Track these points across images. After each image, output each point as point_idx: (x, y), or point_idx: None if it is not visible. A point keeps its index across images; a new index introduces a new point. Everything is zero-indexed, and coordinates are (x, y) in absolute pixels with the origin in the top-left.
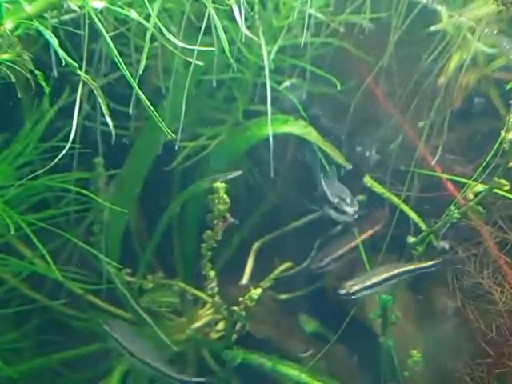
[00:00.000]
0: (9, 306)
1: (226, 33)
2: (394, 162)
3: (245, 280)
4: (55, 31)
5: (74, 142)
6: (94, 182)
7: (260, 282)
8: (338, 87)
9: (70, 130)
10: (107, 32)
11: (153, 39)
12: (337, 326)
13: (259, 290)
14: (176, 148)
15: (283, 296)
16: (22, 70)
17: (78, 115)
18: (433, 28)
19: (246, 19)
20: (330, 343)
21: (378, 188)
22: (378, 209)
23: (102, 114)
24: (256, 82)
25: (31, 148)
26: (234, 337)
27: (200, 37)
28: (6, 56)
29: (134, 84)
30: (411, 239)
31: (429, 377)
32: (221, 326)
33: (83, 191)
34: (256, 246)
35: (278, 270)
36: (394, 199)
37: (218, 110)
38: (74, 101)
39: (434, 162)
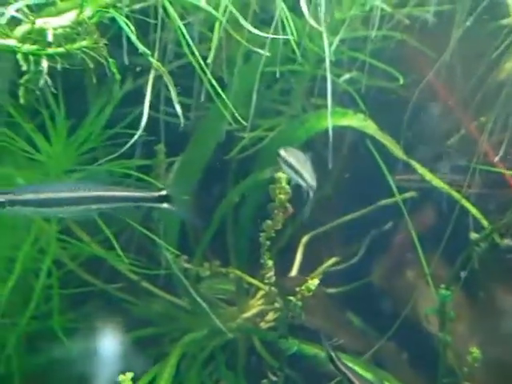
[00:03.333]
0: (67, 288)
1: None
2: (455, 157)
3: (294, 272)
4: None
5: (136, 129)
6: (155, 168)
7: (308, 275)
8: (401, 81)
9: (134, 117)
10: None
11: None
12: (384, 321)
13: (316, 281)
14: (231, 139)
15: (331, 290)
16: (98, 58)
17: (142, 103)
18: (504, 21)
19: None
20: (384, 338)
21: (437, 182)
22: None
23: (165, 103)
24: (315, 74)
25: (96, 134)
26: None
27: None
28: (84, 43)
29: (205, 72)
30: (473, 235)
31: (485, 375)
32: (270, 316)
33: (144, 177)
34: (305, 239)
35: (327, 263)
36: (455, 195)
37: (276, 101)
38: (136, 89)
39: (496, 159)
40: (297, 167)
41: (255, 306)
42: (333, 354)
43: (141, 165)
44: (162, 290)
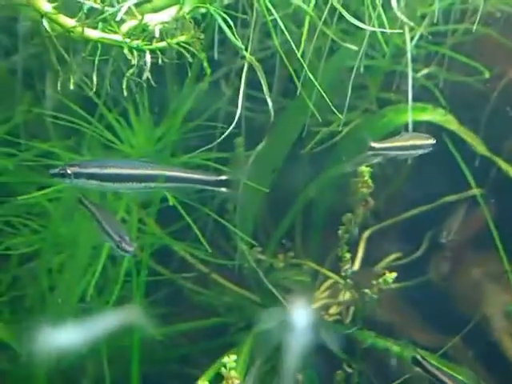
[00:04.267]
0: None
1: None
2: None
3: (356, 266)
4: None
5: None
6: (233, 161)
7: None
8: (487, 75)
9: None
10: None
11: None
12: (446, 317)
13: (394, 274)
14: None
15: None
16: (194, 51)
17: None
18: None
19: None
20: (459, 335)
21: None
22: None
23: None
24: (391, 69)
25: (176, 129)
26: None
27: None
28: (183, 38)
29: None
30: None
31: None
32: (334, 310)
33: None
34: (366, 233)
35: (390, 258)
36: None
37: (351, 96)
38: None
39: None
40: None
41: (320, 298)
42: (419, 357)
43: (219, 157)
44: (231, 282)
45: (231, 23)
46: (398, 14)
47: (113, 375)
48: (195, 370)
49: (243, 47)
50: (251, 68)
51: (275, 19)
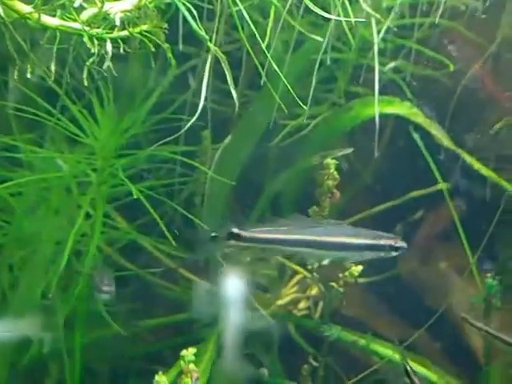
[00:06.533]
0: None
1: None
2: (499, 147)
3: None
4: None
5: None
6: (200, 154)
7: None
8: (451, 69)
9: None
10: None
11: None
12: (413, 310)
13: (360, 267)
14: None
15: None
16: (158, 41)
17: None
18: None
19: None
20: (423, 328)
21: (486, 172)
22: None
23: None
24: (358, 63)
25: (141, 120)
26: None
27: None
28: (145, 27)
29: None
30: None
31: None
32: (303, 304)
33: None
34: None
35: None
36: (504, 183)
37: (319, 89)
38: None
39: None
40: None
41: (288, 293)
42: (409, 368)
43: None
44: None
45: (195, 14)
46: (364, 6)
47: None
48: (162, 366)
49: (207, 38)
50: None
51: (241, 11)
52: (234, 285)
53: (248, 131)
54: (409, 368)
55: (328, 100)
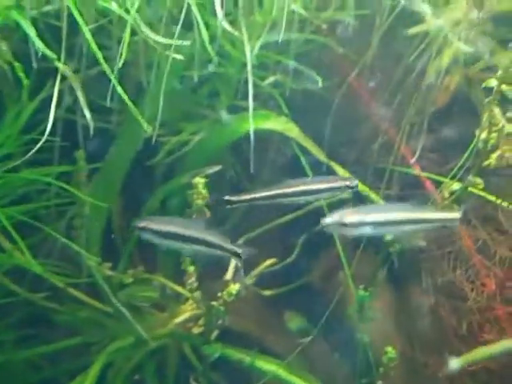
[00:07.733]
0: None
1: (208, 28)
2: (374, 160)
3: (228, 276)
4: (35, 23)
5: (54, 135)
6: (76, 175)
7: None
8: (320, 84)
9: (51, 123)
10: (88, 24)
11: (135, 33)
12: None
13: (237, 286)
14: (156, 143)
15: (267, 292)
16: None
17: (59, 108)
18: (414, 30)
19: (229, 14)
20: (310, 338)
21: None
22: None
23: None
24: (240, 77)
25: (12, 140)
26: (216, 332)
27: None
28: None
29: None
30: (388, 237)
31: (403, 373)
32: (202, 321)
33: (64, 185)
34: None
35: (262, 266)
36: (374, 197)
37: (201, 105)
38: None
39: (413, 161)
40: None
41: (186, 311)
42: None
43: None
44: (88, 296)
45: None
46: (225, 24)
47: None
48: None
49: (55, 57)
50: (100, 78)
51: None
52: None
53: (123, 149)
54: None
55: (210, 116)
